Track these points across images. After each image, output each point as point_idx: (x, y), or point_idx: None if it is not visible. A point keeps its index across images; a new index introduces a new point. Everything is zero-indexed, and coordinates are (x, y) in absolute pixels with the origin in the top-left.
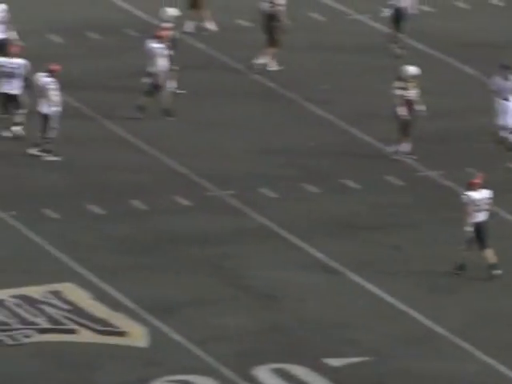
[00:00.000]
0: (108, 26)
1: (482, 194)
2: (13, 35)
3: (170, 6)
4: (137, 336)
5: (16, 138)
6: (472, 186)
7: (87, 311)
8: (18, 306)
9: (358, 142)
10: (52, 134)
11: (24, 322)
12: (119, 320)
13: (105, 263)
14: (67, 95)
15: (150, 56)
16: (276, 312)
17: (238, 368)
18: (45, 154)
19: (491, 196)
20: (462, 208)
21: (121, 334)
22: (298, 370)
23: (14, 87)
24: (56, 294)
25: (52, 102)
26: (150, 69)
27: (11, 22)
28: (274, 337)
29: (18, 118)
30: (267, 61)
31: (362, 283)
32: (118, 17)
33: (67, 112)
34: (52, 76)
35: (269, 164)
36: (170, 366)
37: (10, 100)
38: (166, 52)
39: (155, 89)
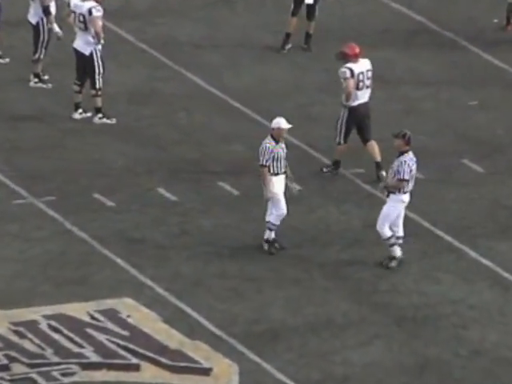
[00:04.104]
0: None
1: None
2: None
3: None
4: (224, 374)
5: None
6: None
7: (154, 339)
8: (55, 330)
9: None
10: None
11: (64, 353)
12: (200, 351)
13: (179, 271)
14: None
15: None
16: (426, 343)
17: None
18: None
19: None
20: None
21: (203, 371)
22: None
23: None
24: (109, 313)
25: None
26: None
27: None
28: (423, 376)
29: None
30: None
31: None
32: None
33: None
34: None
35: None
36: None
37: None
38: None
39: None
